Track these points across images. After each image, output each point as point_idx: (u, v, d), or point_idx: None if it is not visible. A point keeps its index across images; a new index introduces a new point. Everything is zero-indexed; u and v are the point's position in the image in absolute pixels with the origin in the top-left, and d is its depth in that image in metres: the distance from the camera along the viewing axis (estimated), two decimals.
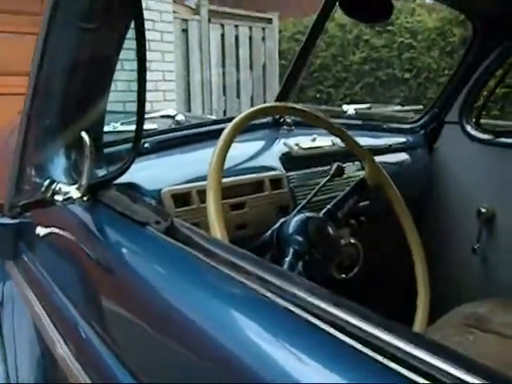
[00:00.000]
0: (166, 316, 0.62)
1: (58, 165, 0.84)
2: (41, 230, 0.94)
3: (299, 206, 1.37)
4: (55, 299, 0.84)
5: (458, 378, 0.40)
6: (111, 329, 0.73)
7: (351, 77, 8.47)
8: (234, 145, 1.19)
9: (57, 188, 0.76)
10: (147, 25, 5.32)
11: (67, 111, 0.88)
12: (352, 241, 1.42)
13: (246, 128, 1.33)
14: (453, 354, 0.45)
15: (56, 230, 0.93)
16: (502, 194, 1.99)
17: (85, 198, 0.73)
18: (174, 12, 5.91)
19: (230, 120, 1.25)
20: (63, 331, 0.81)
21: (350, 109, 2.08)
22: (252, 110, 1.29)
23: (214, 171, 1.06)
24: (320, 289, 0.56)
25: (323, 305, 0.50)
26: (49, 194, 0.75)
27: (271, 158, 1.53)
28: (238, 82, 7.10)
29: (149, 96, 5.37)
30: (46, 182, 0.77)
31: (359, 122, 2.04)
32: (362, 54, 8.35)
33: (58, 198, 0.74)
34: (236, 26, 7.01)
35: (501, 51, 2.00)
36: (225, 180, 1.16)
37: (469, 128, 2.10)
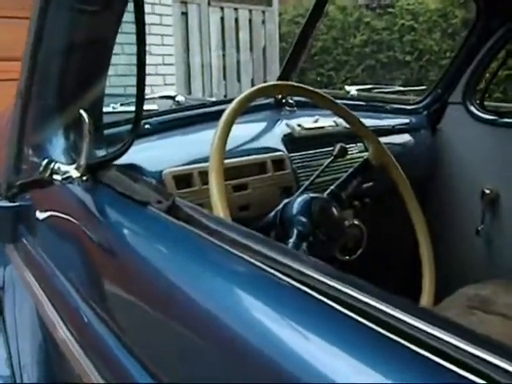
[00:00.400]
0: (168, 296, 0.61)
1: (57, 144, 0.83)
2: (40, 212, 0.93)
3: (302, 187, 1.35)
4: (56, 282, 0.83)
5: (472, 354, 0.39)
6: (113, 311, 0.72)
7: (352, 60, 8.45)
8: (235, 126, 1.17)
9: (55, 167, 0.74)
10: (146, 8, 5.27)
11: (65, 91, 0.87)
12: (355, 222, 1.40)
13: (248, 109, 1.31)
14: (462, 330, 0.43)
15: (55, 212, 0.91)
16: (506, 175, 1.98)
17: (84, 178, 0.72)
18: None
19: (230, 101, 1.23)
20: (64, 314, 0.80)
21: (352, 90, 2.06)
22: (252, 89, 1.27)
23: (216, 152, 1.04)
24: (326, 266, 0.55)
25: (329, 282, 0.49)
26: (47, 174, 0.74)
27: (273, 139, 1.51)
28: (238, 65, 7.06)
29: (149, 80, 5.34)
30: (44, 162, 0.75)
31: (362, 103, 2.02)
32: (362, 37, 8.32)
33: (57, 177, 0.73)
34: (236, 9, 6.95)
35: (504, 32, 1.98)
36: (227, 161, 1.14)
37: (472, 108, 2.09)
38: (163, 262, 0.65)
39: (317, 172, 1.40)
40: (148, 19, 5.31)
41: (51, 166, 0.74)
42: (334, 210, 1.26)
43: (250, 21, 7.17)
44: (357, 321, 0.44)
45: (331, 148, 1.48)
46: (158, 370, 0.60)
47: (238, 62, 7.06)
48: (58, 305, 0.82)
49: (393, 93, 2.34)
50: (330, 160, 1.43)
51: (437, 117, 2.16)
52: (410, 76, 7.73)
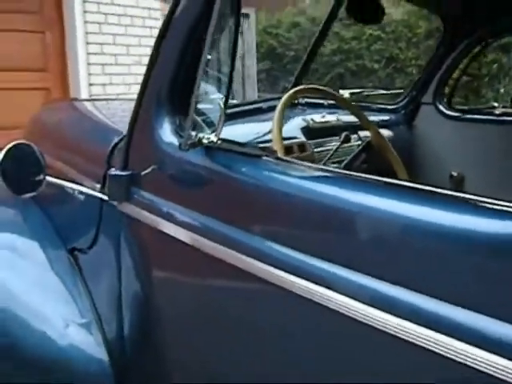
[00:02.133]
0: (298, 203, 1.04)
1: (200, 120, 1.23)
2: (166, 172, 1.35)
3: (321, 164, 1.80)
4: (182, 214, 1.25)
5: None
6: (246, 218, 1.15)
7: (322, 68, 8.87)
8: (267, 122, 1.61)
9: (200, 135, 1.16)
10: (138, 21, 5.68)
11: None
12: None
13: (271, 109, 1.75)
14: None
15: (180, 172, 1.33)
16: (469, 160, 2.46)
17: (219, 142, 1.15)
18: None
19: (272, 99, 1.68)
20: (193, 229, 1.22)
21: (345, 93, 2.51)
22: (295, 89, 1.74)
23: (277, 132, 1.49)
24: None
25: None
26: (197, 139, 1.16)
27: (295, 130, 1.97)
28: None
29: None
30: (194, 132, 1.16)
31: (354, 104, 2.48)
32: (332, 46, 8.75)
33: (204, 141, 1.15)
34: None
35: (466, 45, 2.47)
36: (263, 145, 1.58)
37: (441, 107, 2.58)
38: (286, 183, 1.08)
39: (330, 154, 1.86)
40: (140, 32, 5.74)
41: (199, 134, 1.16)
42: None
43: None
44: None
45: (336, 137, 1.94)
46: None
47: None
48: (187, 226, 1.24)
49: (376, 95, 2.82)
50: (339, 144, 1.88)
51: (412, 115, 2.65)
52: (378, 83, 8.21)
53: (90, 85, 5.45)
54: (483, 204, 0.83)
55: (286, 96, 1.65)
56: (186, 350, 1.41)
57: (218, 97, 1.23)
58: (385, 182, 0.98)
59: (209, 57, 1.19)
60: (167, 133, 1.37)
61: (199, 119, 1.24)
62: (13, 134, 2.30)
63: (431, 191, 0.91)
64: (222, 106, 1.14)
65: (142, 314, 1.56)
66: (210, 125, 1.25)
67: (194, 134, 1.15)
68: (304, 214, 1.04)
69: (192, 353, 1.39)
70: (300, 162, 1.12)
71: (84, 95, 5.36)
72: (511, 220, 0.79)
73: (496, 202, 0.82)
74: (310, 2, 10.55)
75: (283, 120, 1.57)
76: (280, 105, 1.59)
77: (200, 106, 1.25)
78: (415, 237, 0.87)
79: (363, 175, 1.02)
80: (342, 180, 1.05)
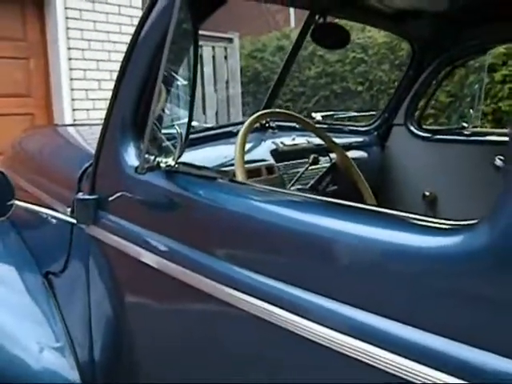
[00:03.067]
0: (250, 224, 1.08)
1: (159, 146, 1.27)
2: (127, 196, 1.38)
3: (289, 186, 1.85)
4: (146, 236, 1.29)
5: None
6: (202, 240, 1.18)
7: (308, 91, 8.93)
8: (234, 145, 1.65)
9: (158, 160, 1.21)
10: (121, 47, 5.75)
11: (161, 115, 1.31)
12: None
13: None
14: None
15: (140, 196, 1.37)
16: (441, 180, 2.51)
17: (176, 166, 1.19)
18: None
19: (235, 124, 1.73)
20: (157, 251, 1.26)
21: (317, 116, 2.56)
22: (258, 113, 1.78)
23: (239, 156, 1.53)
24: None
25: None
26: (155, 163, 1.20)
27: (264, 153, 2.02)
28: (203, 98, 7.52)
29: None
30: (153, 157, 1.21)
31: (325, 126, 2.53)
32: (317, 69, 8.84)
33: (162, 165, 1.20)
34: (200, 46, 7.45)
35: (435, 66, 2.53)
36: (231, 168, 1.63)
37: (412, 128, 2.64)
38: (239, 205, 1.12)
39: (298, 175, 1.90)
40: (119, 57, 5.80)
41: (157, 159, 1.20)
42: None
43: (214, 57, 7.69)
44: None
45: (306, 159, 1.99)
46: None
47: (203, 95, 7.53)
48: (152, 248, 1.28)
49: (349, 118, 2.87)
50: (307, 166, 1.93)
51: (384, 136, 2.71)
52: (362, 105, 8.25)
53: (74, 110, 5.50)
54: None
55: (248, 121, 1.70)
56: (155, 373, 1.44)
57: (180, 122, 1.28)
58: (333, 203, 1.02)
59: (179, 83, 1.24)
60: (132, 157, 1.41)
61: (168, 143, 1.29)
62: None
63: (388, 213, 0.96)
64: (180, 130, 1.18)
65: (111, 336, 1.59)
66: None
67: (152, 157, 1.20)
68: (257, 237, 1.07)
69: (161, 375, 1.41)
70: (254, 184, 1.17)
71: (68, 120, 5.40)
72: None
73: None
74: (294, 25, 10.68)
75: (246, 144, 1.61)
76: (243, 129, 1.64)
77: (169, 130, 1.30)
78: (364, 256, 0.91)
79: (316, 197, 1.06)
80: (295, 202, 1.09)
